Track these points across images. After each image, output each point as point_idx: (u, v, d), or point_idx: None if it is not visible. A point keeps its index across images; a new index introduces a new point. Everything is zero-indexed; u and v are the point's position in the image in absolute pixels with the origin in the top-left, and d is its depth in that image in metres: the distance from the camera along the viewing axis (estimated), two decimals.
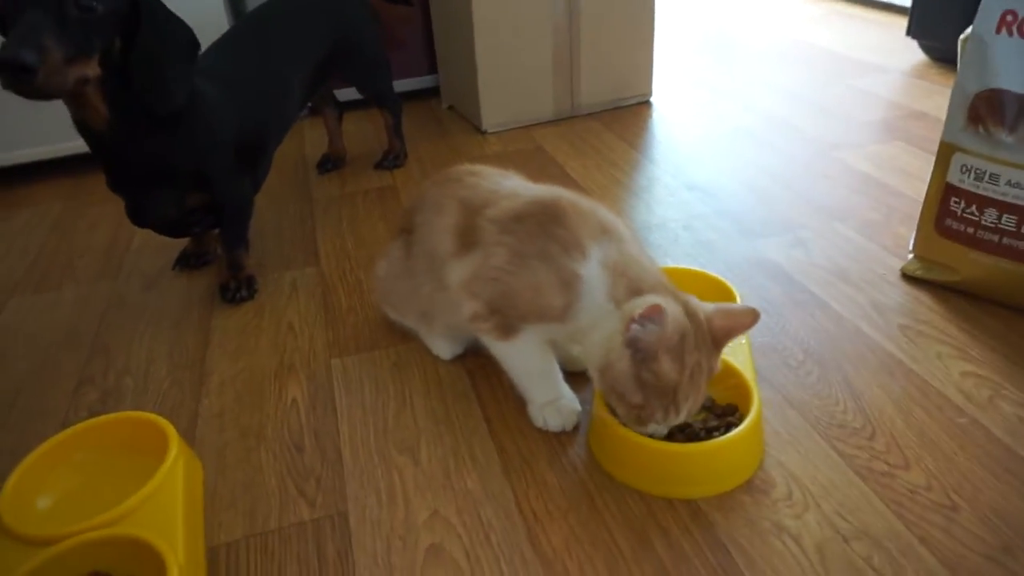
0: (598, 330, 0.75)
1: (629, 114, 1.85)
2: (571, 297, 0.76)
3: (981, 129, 0.93)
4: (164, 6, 0.99)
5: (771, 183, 1.44)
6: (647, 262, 0.78)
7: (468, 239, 0.83)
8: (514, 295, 0.79)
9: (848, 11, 2.65)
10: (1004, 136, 0.91)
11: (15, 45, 0.84)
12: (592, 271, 0.75)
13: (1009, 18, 0.88)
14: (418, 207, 0.94)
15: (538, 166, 1.59)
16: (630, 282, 0.74)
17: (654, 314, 0.68)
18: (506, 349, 0.84)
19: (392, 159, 1.65)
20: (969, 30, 0.93)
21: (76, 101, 0.95)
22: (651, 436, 0.76)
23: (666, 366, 0.70)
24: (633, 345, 0.70)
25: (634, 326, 0.69)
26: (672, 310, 0.70)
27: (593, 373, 0.76)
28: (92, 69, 0.91)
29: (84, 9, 0.88)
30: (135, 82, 0.95)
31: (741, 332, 0.75)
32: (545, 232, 0.77)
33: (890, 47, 2.21)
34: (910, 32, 2.05)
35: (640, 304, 0.70)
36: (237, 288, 1.18)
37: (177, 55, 1.00)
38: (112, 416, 0.85)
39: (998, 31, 0.89)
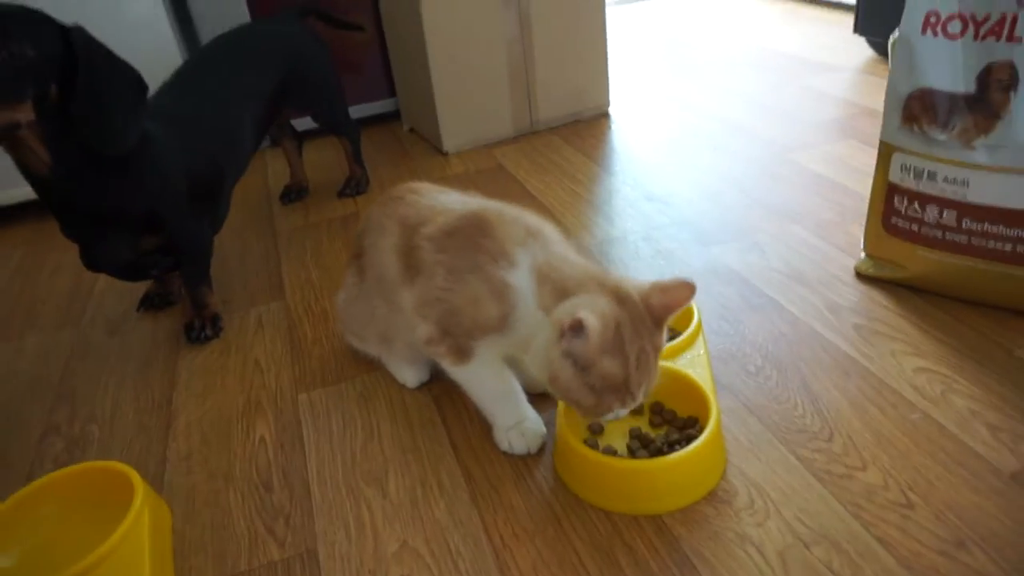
0: (537, 340, 0.75)
1: (588, 127, 1.87)
2: (506, 307, 0.76)
3: (916, 128, 0.96)
4: (104, 48, 0.98)
5: (728, 189, 1.46)
6: (572, 259, 0.78)
7: (410, 260, 0.84)
8: (457, 312, 0.79)
9: (800, 11, 2.70)
10: (938, 134, 0.94)
11: None
12: (522, 278, 0.76)
13: (932, 19, 0.91)
14: (365, 230, 0.95)
15: (500, 185, 1.60)
16: (555, 285, 0.74)
17: (576, 328, 0.68)
18: (464, 374, 0.84)
19: (354, 186, 1.65)
20: (897, 32, 0.95)
21: (11, 146, 0.94)
22: (615, 419, 0.76)
23: (608, 366, 0.70)
24: (570, 357, 0.70)
25: (564, 341, 0.69)
26: (598, 311, 0.69)
27: (543, 381, 0.76)
28: (24, 114, 0.91)
29: (12, 56, 0.88)
30: (77, 126, 0.95)
31: (680, 307, 0.73)
32: (474, 244, 0.78)
33: (841, 45, 2.26)
34: (857, 29, 2.09)
35: (566, 312, 0.70)
36: (202, 327, 1.18)
37: (122, 97, 1.00)
38: (77, 467, 0.85)
39: (923, 31, 0.92)
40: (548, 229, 0.81)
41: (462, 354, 0.82)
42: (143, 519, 0.77)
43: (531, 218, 0.82)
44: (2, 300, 1.39)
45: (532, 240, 0.78)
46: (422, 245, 0.82)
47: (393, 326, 0.94)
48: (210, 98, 1.24)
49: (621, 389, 0.72)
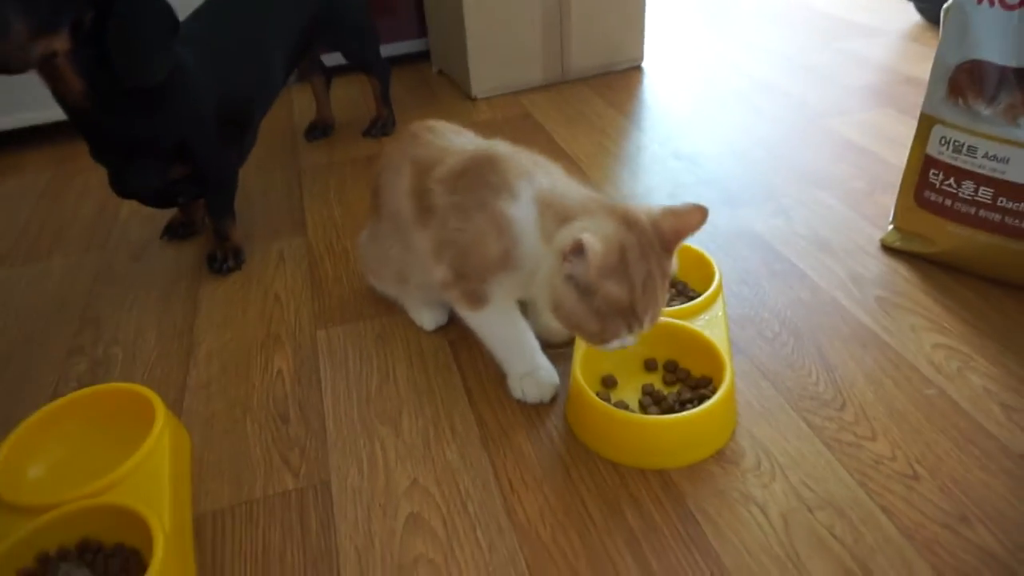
0: (541, 270, 0.74)
1: (620, 79, 1.83)
2: (507, 241, 0.76)
3: (961, 101, 0.93)
4: None
5: (757, 150, 1.44)
6: (577, 188, 0.77)
7: (423, 203, 0.84)
8: (467, 251, 0.79)
9: None
10: (983, 109, 0.91)
11: None
12: (523, 210, 0.75)
13: None
14: (382, 168, 0.95)
15: (526, 133, 1.58)
16: (557, 212, 0.73)
17: (576, 249, 0.66)
18: (478, 319, 0.85)
19: (380, 127, 1.64)
20: (949, 1, 0.92)
21: (48, 74, 0.94)
22: (623, 347, 0.75)
23: (613, 289, 0.69)
24: (572, 281, 0.70)
25: (566, 264, 0.69)
26: (601, 233, 0.68)
27: (548, 312, 0.75)
28: (61, 43, 0.90)
29: None
30: (111, 55, 0.95)
31: (691, 232, 0.72)
32: (481, 181, 0.78)
33: (885, 8, 2.18)
34: None
35: (566, 237, 0.69)
36: (224, 259, 1.19)
37: (155, 28, 0.99)
38: (101, 387, 0.87)
39: (979, 1, 0.88)
40: (552, 165, 0.81)
41: (476, 299, 0.82)
42: (164, 440, 0.79)
43: (537, 156, 0.82)
44: (31, 221, 1.41)
45: (537, 170, 0.78)
46: (433, 188, 0.82)
47: (407, 265, 0.94)
48: (241, 28, 1.22)
49: (627, 313, 0.70)
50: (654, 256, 0.71)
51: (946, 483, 0.75)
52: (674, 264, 0.74)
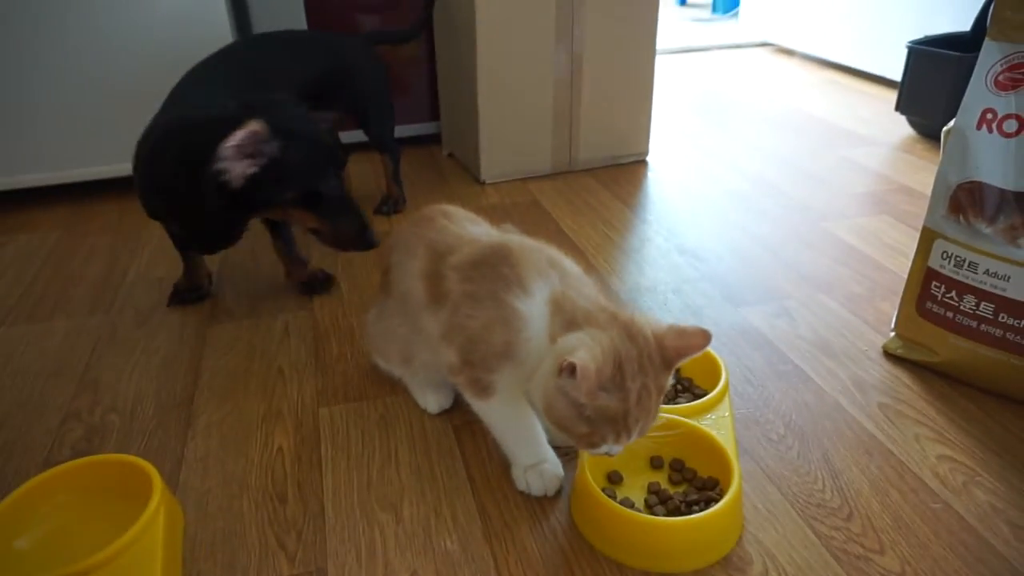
0: (541, 367, 0.75)
1: (625, 172, 1.89)
2: (511, 334, 0.76)
3: (962, 219, 0.97)
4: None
5: (759, 250, 1.47)
6: (588, 293, 0.78)
7: (436, 287, 0.85)
8: (475, 338, 0.80)
9: (843, 81, 2.73)
10: (983, 227, 0.94)
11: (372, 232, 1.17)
12: (534, 308, 0.76)
13: (989, 116, 0.92)
14: (394, 246, 0.97)
15: (533, 220, 1.62)
16: (565, 316, 0.75)
17: (568, 369, 0.68)
18: (485, 408, 0.85)
19: (391, 204, 1.67)
20: (952, 123, 0.97)
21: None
22: (608, 455, 0.75)
23: (605, 401, 0.70)
24: (563, 393, 0.71)
25: (560, 380, 0.70)
26: (598, 349, 0.69)
27: (538, 409, 0.76)
28: None
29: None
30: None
31: (693, 353, 0.74)
32: (495, 273, 0.79)
33: (880, 120, 2.28)
34: (899, 108, 2.11)
35: (565, 349, 0.70)
36: (323, 280, 1.34)
37: None
38: (98, 457, 0.86)
39: (978, 127, 0.93)
40: (569, 263, 0.83)
41: (482, 388, 0.82)
42: (159, 519, 0.77)
43: (553, 251, 0.84)
44: (36, 281, 1.41)
45: (552, 271, 0.79)
46: (448, 274, 0.83)
47: (414, 345, 0.94)
48: (232, 78, 1.26)
49: (618, 422, 0.71)
50: (652, 370, 0.72)
51: None
52: (668, 381, 0.75)
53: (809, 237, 1.52)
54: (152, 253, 1.51)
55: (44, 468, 0.83)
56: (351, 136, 1.80)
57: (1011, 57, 0.91)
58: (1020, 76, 0.91)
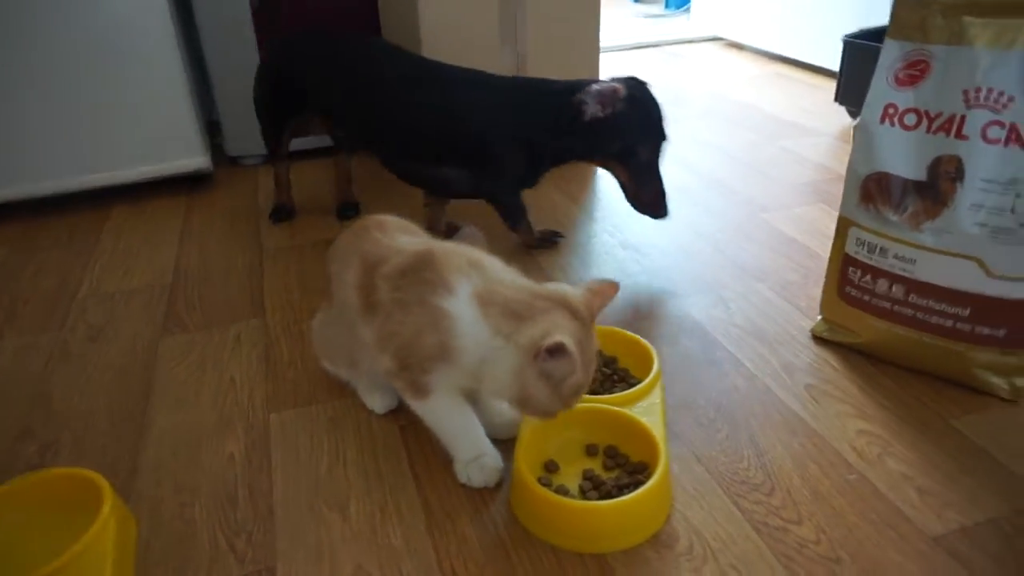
0: (497, 366, 0.80)
1: (576, 171, 1.94)
2: (442, 335, 0.81)
3: (871, 207, 1.02)
4: None
5: (701, 243, 1.53)
6: (514, 282, 0.84)
7: (369, 297, 0.89)
8: (408, 344, 0.84)
9: (789, 74, 2.81)
10: (891, 215, 1.00)
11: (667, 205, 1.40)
12: (461, 306, 0.81)
13: (891, 110, 0.98)
14: (332, 257, 1.00)
15: (485, 227, 1.65)
16: (504, 311, 0.80)
17: (559, 352, 0.75)
18: (423, 408, 0.89)
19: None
20: (858, 119, 1.02)
21: None
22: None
23: (579, 377, 0.79)
24: (547, 376, 0.78)
25: (544, 364, 0.77)
26: (567, 331, 0.77)
27: (506, 402, 0.83)
28: None
29: None
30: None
31: (606, 304, 0.85)
32: (419, 279, 0.84)
33: (822, 111, 2.35)
34: (838, 98, 2.19)
35: (538, 336, 0.77)
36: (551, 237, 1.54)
37: None
38: (48, 472, 0.88)
39: (881, 121, 0.99)
40: (489, 259, 0.87)
41: (419, 389, 0.86)
42: (109, 529, 0.80)
43: (474, 252, 0.88)
44: None
45: (472, 270, 0.84)
46: (379, 285, 0.87)
47: (355, 352, 0.98)
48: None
49: (580, 390, 0.81)
50: (589, 336, 0.81)
51: (866, 567, 0.79)
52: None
53: (749, 229, 1.58)
54: (103, 268, 1.52)
55: None
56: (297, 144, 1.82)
57: (909, 54, 0.97)
58: (918, 72, 0.97)
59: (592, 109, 1.30)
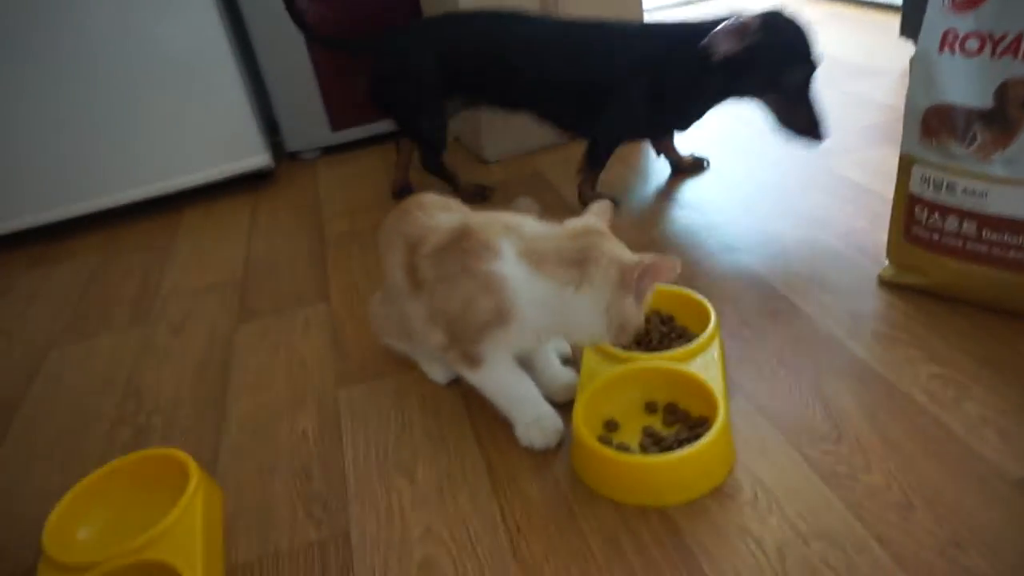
0: (579, 312, 0.84)
1: None
2: (497, 298, 0.82)
3: (935, 141, 0.97)
4: None
5: (759, 195, 1.48)
6: (556, 234, 0.87)
7: (414, 277, 0.91)
8: (458, 317, 0.86)
9: (845, 13, 2.67)
10: (957, 148, 0.95)
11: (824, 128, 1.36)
12: (510, 267, 0.83)
13: (951, 37, 0.93)
14: (380, 240, 1.03)
15: (535, 192, 1.66)
16: (563, 261, 0.83)
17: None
18: (479, 378, 0.91)
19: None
20: (915, 48, 0.97)
21: None
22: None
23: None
24: (641, 295, 0.84)
25: (637, 286, 0.82)
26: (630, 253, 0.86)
27: (604, 338, 0.86)
28: None
29: None
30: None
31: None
32: (458, 251, 0.85)
33: (885, 48, 2.24)
34: (903, 32, 2.07)
35: (615, 268, 0.82)
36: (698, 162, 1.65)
37: None
38: (141, 453, 0.95)
39: (941, 49, 0.94)
40: (524, 220, 0.89)
41: (471, 360, 0.88)
42: (197, 500, 0.86)
43: (509, 216, 0.89)
44: (80, 304, 1.53)
45: (510, 232, 0.86)
46: (420, 264, 0.90)
47: (409, 328, 1.01)
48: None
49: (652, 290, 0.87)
50: None
51: (941, 511, 0.77)
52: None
53: (811, 177, 1.53)
54: (181, 267, 1.61)
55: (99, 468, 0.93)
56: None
57: None
58: None
59: (723, 47, 1.29)
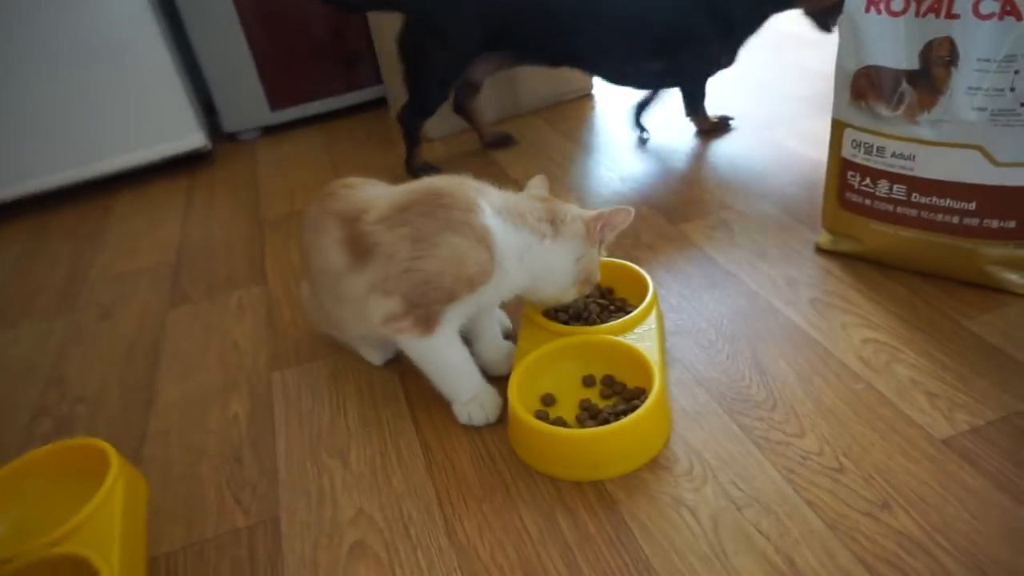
0: (555, 263, 0.89)
1: (571, 108, 1.89)
2: (490, 251, 0.84)
3: (864, 104, 0.97)
4: None
5: (702, 167, 1.48)
6: (516, 196, 0.93)
7: (358, 248, 0.87)
8: (435, 277, 0.82)
9: None
10: (884, 110, 0.95)
11: None
12: (493, 221, 0.85)
13: None
14: (304, 228, 0.99)
15: (479, 167, 1.63)
16: (539, 217, 0.89)
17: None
18: (426, 346, 0.87)
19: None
20: (842, 11, 0.97)
21: None
22: None
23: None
24: (599, 245, 0.92)
25: (603, 233, 0.92)
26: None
27: (562, 293, 0.92)
28: None
29: None
30: None
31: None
32: (437, 207, 0.84)
33: None
34: None
35: (589, 218, 0.90)
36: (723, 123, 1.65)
37: None
38: (57, 444, 0.90)
39: (867, 10, 0.93)
40: (483, 185, 0.91)
41: (427, 325, 0.85)
42: (116, 491, 0.82)
43: (470, 179, 0.91)
44: (1, 292, 1.45)
45: (480, 191, 0.88)
46: (370, 231, 0.86)
47: (341, 320, 0.98)
48: None
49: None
50: None
51: (870, 473, 0.77)
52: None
53: (752, 148, 1.53)
54: (111, 251, 1.54)
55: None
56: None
57: None
58: None
59: None
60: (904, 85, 0.92)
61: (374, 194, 0.91)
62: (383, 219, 0.86)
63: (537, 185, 0.97)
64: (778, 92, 1.79)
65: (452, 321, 0.87)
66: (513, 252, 0.86)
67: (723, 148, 1.55)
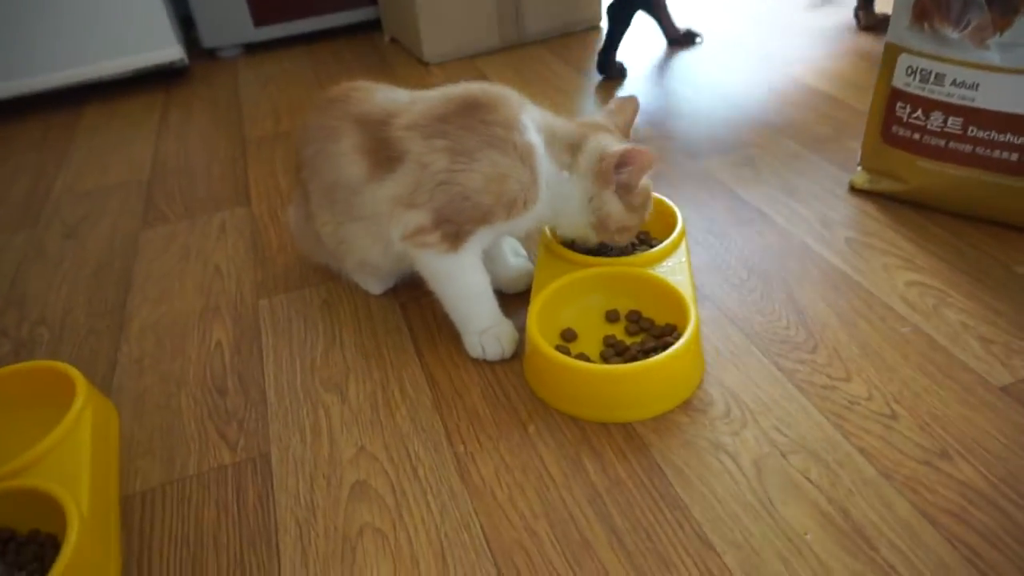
0: (568, 201, 0.80)
1: (578, 40, 1.78)
2: (533, 172, 0.76)
3: (927, 26, 0.88)
4: None
5: (721, 104, 1.39)
6: (557, 116, 0.82)
7: (383, 154, 0.77)
8: (473, 194, 0.74)
9: None
10: (950, 32, 0.87)
11: None
12: (536, 139, 0.77)
13: None
14: (305, 140, 0.86)
15: None
16: (564, 142, 0.79)
17: (628, 159, 0.76)
18: (448, 265, 0.78)
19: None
20: None
21: None
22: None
23: (645, 182, 0.81)
24: (620, 189, 0.79)
25: (615, 177, 0.78)
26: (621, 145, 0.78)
27: (583, 233, 0.83)
28: None
29: None
30: None
31: (633, 118, 0.87)
32: (478, 121, 0.75)
33: None
34: None
35: (605, 156, 0.77)
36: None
37: None
38: (19, 365, 0.80)
39: None
40: (524, 98, 0.82)
41: (456, 241, 0.76)
42: (84, 419, 0.72)
43: (512, 90, 0.81)
44: None
45: (523, 105, 0.79)
46: (402, 136, 0.76)
47: (346, 242, 0.86)
48: None
49: (649, 198, 0.83)
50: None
51: (925, 420, 0.71)
52: None
53: (773, 85, 1.44)
54: (78, 166, 1.41)
55: None
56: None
57: None
58: None
59: None
60: (974, 4, 0.83)
61: (397, 97, 0.81)
62: (416, 126, 0.77)
63: (614, 109, 0.86)
64: (799, 30, 1.69)
65: (479, 243, 0.79)
66: (546, 181, 0.78)
67: (743, 84, 1.45)
